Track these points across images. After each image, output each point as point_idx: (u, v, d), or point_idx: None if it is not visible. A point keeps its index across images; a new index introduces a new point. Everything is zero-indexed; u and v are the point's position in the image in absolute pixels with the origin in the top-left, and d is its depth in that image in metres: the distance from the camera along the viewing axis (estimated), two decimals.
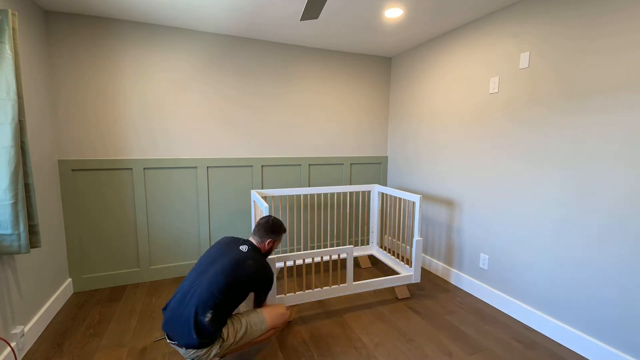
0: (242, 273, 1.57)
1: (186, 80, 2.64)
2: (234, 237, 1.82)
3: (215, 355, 1.52)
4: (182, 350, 1.48)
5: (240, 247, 1.70)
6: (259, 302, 1.75)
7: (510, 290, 2.21)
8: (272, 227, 1.79)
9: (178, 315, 1.48)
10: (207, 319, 1.44)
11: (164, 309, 1.59)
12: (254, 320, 1.63)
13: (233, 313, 1.62)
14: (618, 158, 1.62)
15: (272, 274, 1.70)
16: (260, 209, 2.24)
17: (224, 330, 1.53)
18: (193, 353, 1.47)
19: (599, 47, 1.68)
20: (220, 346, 1.51)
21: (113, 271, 2.58)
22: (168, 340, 1.52)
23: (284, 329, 2.03)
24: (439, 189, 2.82)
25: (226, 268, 1.56)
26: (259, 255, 1.71)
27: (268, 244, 1.77)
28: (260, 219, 1.85)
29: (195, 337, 1.42)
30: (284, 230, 1.85)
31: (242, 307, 1.94)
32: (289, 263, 2.81)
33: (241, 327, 1.58)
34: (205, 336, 1.45)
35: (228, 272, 1.54)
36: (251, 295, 1.88)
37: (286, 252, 3.10)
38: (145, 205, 2.60)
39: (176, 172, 2.69)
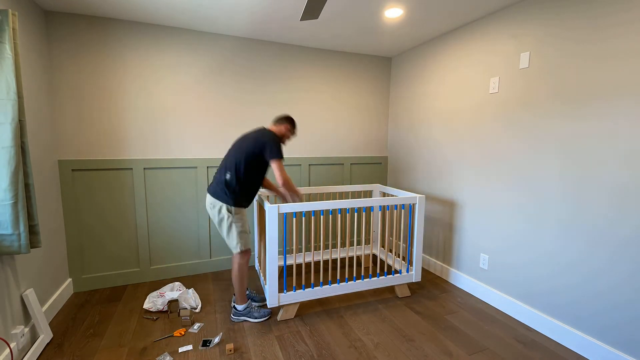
0: (250, 138, 2.00)
1: (187, 81, 2.63)
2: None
3: (222, 221, 1.98)
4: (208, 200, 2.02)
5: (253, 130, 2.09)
6: (268, 159, 1.99)
7: (510, 290, 2.21)
8: (289, 117, 2.15)
9: (215, 179, 2.03)
10: (227, 177, 1.96)
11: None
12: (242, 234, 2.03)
13: (253, 193, 2.06)
14: (617, 160, 1.62)
15: (276, 137, 2.00)
16: (264, 208, 2.24)
17: (235, 207, 1.98)
18: (210, 204, 1.99)
19: (599, 49, 1.67)
20: (229, 216, 1.97)
21: (113, 271, 2.58)
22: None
23: (284, 328, 2.03)
24: (439, 188, 2.82)
25: (242, 143, 2.01)
26: (268, 131, 2.02)
27: (285, 127, 2.12)
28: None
29: (213, 185, 2.00)
30: (295, 127, 2.19)
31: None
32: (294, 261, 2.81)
33: (242, 224, 2.01)
34: (219, 189, 1.96)
35: (242, 145, 2.00)
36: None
37: (286, 252, 3.10)
38: (145, 205, 2.60)
39: (176, 172, 2.69)
